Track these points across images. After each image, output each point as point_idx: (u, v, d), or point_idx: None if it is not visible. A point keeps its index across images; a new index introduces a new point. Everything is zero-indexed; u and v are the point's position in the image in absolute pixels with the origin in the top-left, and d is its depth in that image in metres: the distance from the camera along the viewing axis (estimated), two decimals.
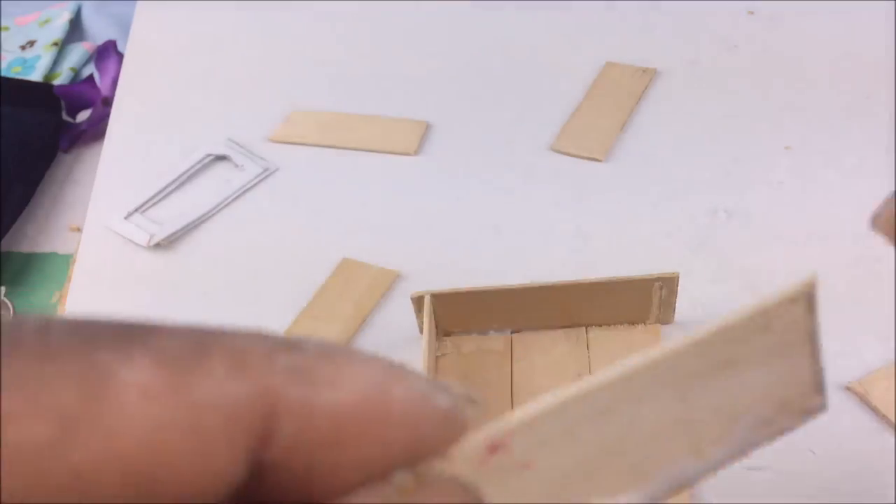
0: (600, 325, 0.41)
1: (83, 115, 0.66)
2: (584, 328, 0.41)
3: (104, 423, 0.10)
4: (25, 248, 0.57)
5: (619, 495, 0.17)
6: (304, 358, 0.11)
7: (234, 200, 0.53)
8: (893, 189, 0.24)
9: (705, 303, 0.43)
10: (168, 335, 0.11)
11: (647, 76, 0.58)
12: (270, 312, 0.45)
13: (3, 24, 0.78)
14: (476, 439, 0.13)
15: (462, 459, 0.13)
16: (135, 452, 0.10)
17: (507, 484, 0.14)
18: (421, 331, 0.41)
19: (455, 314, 0.41)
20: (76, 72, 0.72)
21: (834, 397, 0.38)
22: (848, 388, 0.38)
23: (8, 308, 0.49)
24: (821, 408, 0.19)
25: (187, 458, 0.10)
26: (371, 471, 0.11)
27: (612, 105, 0.56)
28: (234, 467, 0.11)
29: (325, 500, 0.11)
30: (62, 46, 0.74)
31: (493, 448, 0.13)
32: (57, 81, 0.70)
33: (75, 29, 0.77)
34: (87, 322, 0.11)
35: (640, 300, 0.40)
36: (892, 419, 0.37)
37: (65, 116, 0.66)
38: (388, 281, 0.46)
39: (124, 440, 0.10)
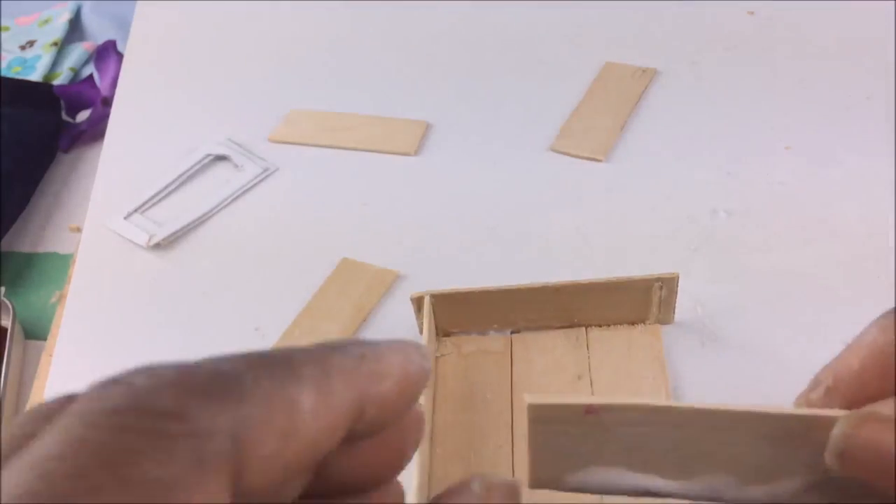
0: (600, 325, 0.41)
1: (83, 115, 0.66)
2: (584, 328, 0.41)
3: (300, 432, 0.17)
4: (25, 248, 0.57)
5: (664, 480, 0.23)
6: (372, 364, 0.18)
7: (234, 200, 0.53)
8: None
9: (705, 303, 0.43)
10: (307, 365, 0.17)
11: (647, 76, 0.58)
12: (270, 312, 0.45)
13: (3, 24, 0.78)
14: (579, 403, 0.21)
15: (567, 416, 0.21)
16: (308, 447, 0.17)
17: (590, 436, 0.22)
18: (421, 331, 0.41)
19: (455, 314, 0.41)
20: (76, 72, 0.72)
21: None
22: None
23: (8, 308, 0.49)
24: None
25: (330, 439, 0.17)
26: (397, 414, 0.19)
27: (612, 105, 0.56)
28: (344, 434, 0.18)
29: (368, 435, 0.19)
30: (62, 46, 0.74)
31: (589, 410, 0.21)
32: (57, 81, 0.70)
33: (75, 29, 0.77)
34: (264, 359, 0.17)
35: (640, 300, 0.40)
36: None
37: (65, 116, 0.66)
38: (388, 281, 0.46)
39: (304, 441, 0.17)
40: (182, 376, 0.16)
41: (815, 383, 0.26)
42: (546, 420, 0.22)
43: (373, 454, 0.20)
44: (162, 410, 0.15)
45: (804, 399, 0.26)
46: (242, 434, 0.15)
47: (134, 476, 0.14)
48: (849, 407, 0.23)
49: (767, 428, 0.22)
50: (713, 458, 0.22)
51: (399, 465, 0.21)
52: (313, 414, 0.17)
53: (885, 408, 0.23)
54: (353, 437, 0.19)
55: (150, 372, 0.16)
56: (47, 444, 0.15)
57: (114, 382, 0.16)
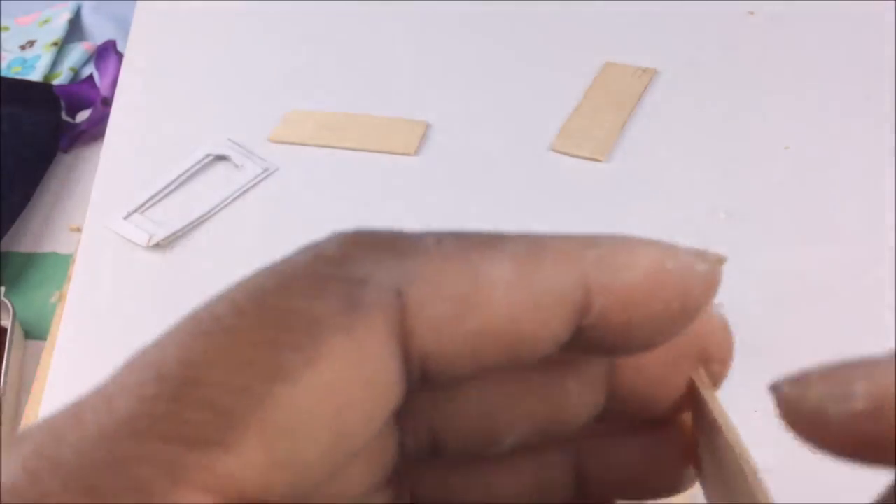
0: None
1: (83, 115, 0.66)
2: None
3: (482, 303, 0.15)
4: (25, 248, 0.57)
5: None
6: (604, 250, 0.16)
7: (234, 200, 0.53)
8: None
9: None
10: (513, 241, 0.15)
11: (647, 76, 0.58)
12: None
13: (3, 24, 0.78)
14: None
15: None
16: (503, 322, 0.15)
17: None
18: None
19: None
20: (76, 72, 0.72)
21: None
22: None
23: (8, 308, 0.49)
24: None
25: (534, 326, 0.15)
26: (656, 327, 0.16)
27: (612, 105, 0.56)
28: (563, 332, 0.15)
29: (625, 352, 0.16)
30: (62, 46, 0.74)
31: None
32: (57, 81, 0.70)
33: (75, 29, 0.77)
34: (461, 234, 0.15)
35: None
36: None
37: (65, 116, 0.66)
38: None
39: (497, 314, 0.15)
40: (363, 233, 0.16)
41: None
42: None
43: (630, 452, 0.18)
44: (324, 254, 0.15)
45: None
46: (406, 288, 0.15)
47: (279, 305, 0.15)
48: None
49: None
50: None
51: (664, 478, 0.19)
52: (507, 287, 0.15)
53: None
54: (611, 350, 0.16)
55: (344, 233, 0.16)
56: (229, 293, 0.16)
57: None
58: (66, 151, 0.64)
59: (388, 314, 0.14)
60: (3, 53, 0.74)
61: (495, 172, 0.52)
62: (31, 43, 0.75)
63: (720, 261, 0.17)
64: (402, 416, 0.17)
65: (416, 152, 0.54)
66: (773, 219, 0.47)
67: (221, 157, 0.56)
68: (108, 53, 0.69)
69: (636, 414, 0.18)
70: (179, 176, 0.54)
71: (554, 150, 0.53)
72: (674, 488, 0.19)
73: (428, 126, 0.56)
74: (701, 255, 0.16)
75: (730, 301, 0.46)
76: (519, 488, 0.19)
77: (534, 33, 0.63)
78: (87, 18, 0.77)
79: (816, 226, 0.46)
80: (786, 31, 0.60)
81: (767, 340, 0.41)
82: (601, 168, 0.52)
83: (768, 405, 0.38)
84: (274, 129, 0.57)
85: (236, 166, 0.55)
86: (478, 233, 0.16)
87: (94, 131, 0.64)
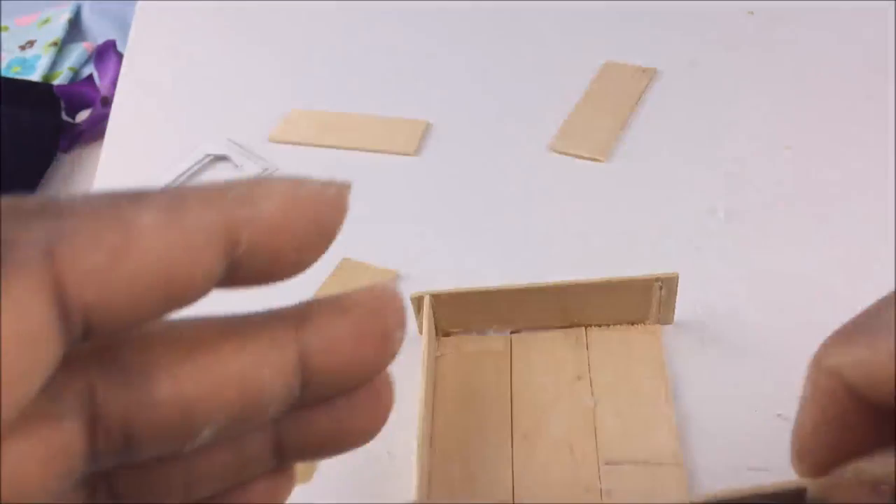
0: (600, 326, 0.41)
1: (83, 115, 0.66)
2: (583, 328, 0.41)
3: (136, 249, 0.16)
4: None
5: None
6: (241, 189, 0.17)
7: None
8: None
9: (705, 303, 0.43)
10: (158, 194, 0.16)
11: (647, 76, 0.58)
12: None
13: (3, 24, 0.78)
14: None
15: None
16: (157, 264, 0.16)
17: None
18: (420, 331, 0.41)
19: (454, 314, 0.41)
20: (76, 72, 0.72)
21: None
22: None
23: None
24: None
25: (187, 265, 0.16)
26: (301, 248, 0.18)
27: (612, 105, 0.56)
28: (215, 267, 0.17)
29: (279, 277, 0.19)
30: (62, 46, 0.74)
31: None
32: (57, 81, 0.70)
33: (75, 29, 0.77)
34: (109, 192, 0.16)
35: (640, 300, 0.40)
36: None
37: (65, 116, 0.66)
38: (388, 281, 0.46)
39: (150, 257, 0.16)
40: (12, 200, 0.16)
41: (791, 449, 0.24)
42: None
43: (329, 419, 0.20)
44: None
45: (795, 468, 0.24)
46: (56, 245, 0.15)
47: None
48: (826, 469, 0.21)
49: None
50: None
51: (364, 433, 0.21)
52: (156, 231, 0.16)
53: (868, 465, 0.21)
54: (301, 396, 0.19)
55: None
56: None
57: None
58: (66, 151, 0.64)
59: (40, 270, 0.15)
60: (3, 53, 0.74)
61: (495, 172, 0.52)
62: (31, 43, 0.75)
63: (346, 186, 0.19)
64: (93, 418, 0.17)
65: (416, 152, 0.54)
66: (773, 219, 0.47)
67: (221, 157, 0.56)
68: (108, 53, 0.69)
69: (332, 391, 0.20)
70: (179, 176, 0.54)
71: (554, 151, 0.53)
72: (368, 439, 0.21)
73: (428, 126, 0.56)
74: (328, 182, 0.18)
75: (729, 301, 0.46)
76: (219, 470, 0.20)
77: (534, 33, 0.63)
78: (87, 18, 0.77)
79: (816, 226, 0.46)
80: (786, 31, 0.60)
81: (766, 341, 0.41)
82: (601, 168, 0.52)
83: (768, 405, 0.38)
84: (274, 129, 0.57)
85: (236, 166, 0.55)
86: (125, 190, 0.17)
87: (94, 131, 0.64)
